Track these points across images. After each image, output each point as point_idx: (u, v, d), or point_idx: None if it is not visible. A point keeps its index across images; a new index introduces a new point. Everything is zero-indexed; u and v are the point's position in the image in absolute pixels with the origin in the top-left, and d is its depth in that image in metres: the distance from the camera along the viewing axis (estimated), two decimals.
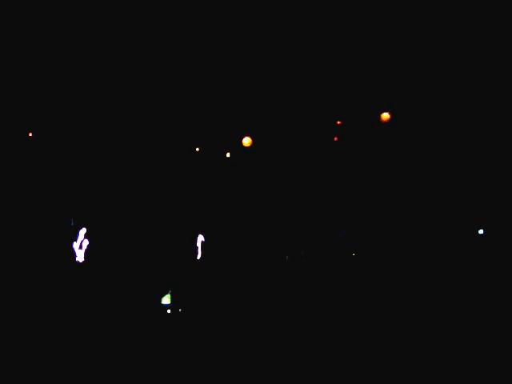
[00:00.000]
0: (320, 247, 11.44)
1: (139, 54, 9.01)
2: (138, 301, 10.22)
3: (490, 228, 9.81)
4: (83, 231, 10.16)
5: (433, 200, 10.32)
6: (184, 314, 10.04)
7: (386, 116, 10.43)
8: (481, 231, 10.04)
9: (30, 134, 10.13)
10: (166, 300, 11.29)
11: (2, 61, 8.36)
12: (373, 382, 5.10)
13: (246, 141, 11.04)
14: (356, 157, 11.81)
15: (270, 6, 8.19)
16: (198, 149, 11.62)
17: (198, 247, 10.87)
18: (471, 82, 8.63)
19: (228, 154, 11.79)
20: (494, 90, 8.55)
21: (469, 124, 9.36)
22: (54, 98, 9.66)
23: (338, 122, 11.42)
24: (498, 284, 7.40)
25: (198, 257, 10.85)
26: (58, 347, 6.54)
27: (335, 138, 11.96)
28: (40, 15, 7.78)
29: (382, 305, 7.26)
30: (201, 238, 10.93)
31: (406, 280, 8.72)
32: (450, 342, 5.31)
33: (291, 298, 9.31)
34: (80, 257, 10.07)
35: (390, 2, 8.03)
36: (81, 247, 10.14)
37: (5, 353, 6.09)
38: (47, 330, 7.29)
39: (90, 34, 8.15)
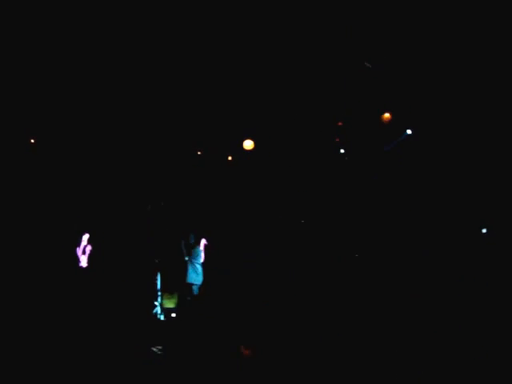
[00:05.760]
0: (323, 248, 11.44)
1: (142, 57, 9.03)
2: (142, 304, 10.24)
3: (492, 227, 9.78)
4: (86, 236, 10.19)
5: (437, 199, 10.31)
6: (188, 317, 10.06)
7: (387, 116, 10.42)
8: (484, 230, 10.02)
9: (32, 141, 10.19)
10: (170, 304, 11.31)
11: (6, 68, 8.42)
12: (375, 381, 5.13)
13: (248, 144, 11.03)
14: (358, 158, 11.81)
15: (277, 10, 8.18)
16: (199, 152, 11.66)
17: (201, 251, 10.87)
18: (473, 83, 8.62)
19: (230, 158, 11.83)
20: (496, 91, 8.56)
21: (470, 124, 9.35)
22: (57, 104, 9.70)
23: (340, 123, 11.42)
24: (500, 282, 7.38)
25: (202, 260, 10.85)
26: (60, 349, 6.58)
27: (337, 139, 11.97)
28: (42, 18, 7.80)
29: (386, 305, 7.27)
30: (203, 242, 10.93)
31: (409, 279, 8.72)
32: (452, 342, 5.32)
33: (295, 299, 9.31)
34: (83, 262, 10.10)
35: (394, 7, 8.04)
36: (84, 252, 10.17)
37: (8, 354, 6.14)
38: (50, 333, 7.33)
39: (93, 38, 8.16)
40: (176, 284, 11.01)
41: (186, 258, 10.70)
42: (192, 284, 10.66)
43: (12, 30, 8.11)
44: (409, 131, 10.52)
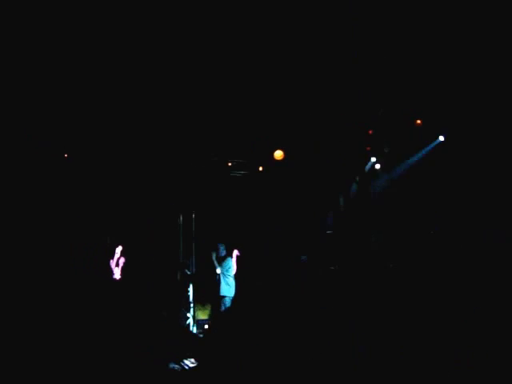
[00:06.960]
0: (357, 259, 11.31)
1: (171, 72, 9.13)
2: (174, 316, 10.29)
3: None
4: (119, 249, 10.31)
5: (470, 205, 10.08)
6: (221, 329, 10.03)
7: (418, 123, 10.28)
8: None
9: (66, 155, 10.37)
10: (203, 315, 11.35)
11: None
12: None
13: (278, 154, 11.02)
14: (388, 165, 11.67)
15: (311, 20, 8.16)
16: (230, 164, 11.69)
17: (233, 263, 10.84)
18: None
19: (260, 168, 11.82)
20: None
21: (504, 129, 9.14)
22: (91, 120, 9.85)
23: (370, 132, 11.33)
24: None
25: (234, 271, 10.83)
26: (92, 358, 6.64)
27: (367, 148, 11.86)
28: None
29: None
30: (236, 253, 10.91)
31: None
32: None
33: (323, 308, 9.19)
34: (117, 274, 10.22)
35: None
36: (117, 265, 10.28)
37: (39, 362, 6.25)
38: (84, 342, 7.40)
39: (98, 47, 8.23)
40: (208, 295, 11.02)
41: (219, 271, 10.67)
42: (224, 296, 10.63)
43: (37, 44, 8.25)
44: (441, 138, 10.34)
